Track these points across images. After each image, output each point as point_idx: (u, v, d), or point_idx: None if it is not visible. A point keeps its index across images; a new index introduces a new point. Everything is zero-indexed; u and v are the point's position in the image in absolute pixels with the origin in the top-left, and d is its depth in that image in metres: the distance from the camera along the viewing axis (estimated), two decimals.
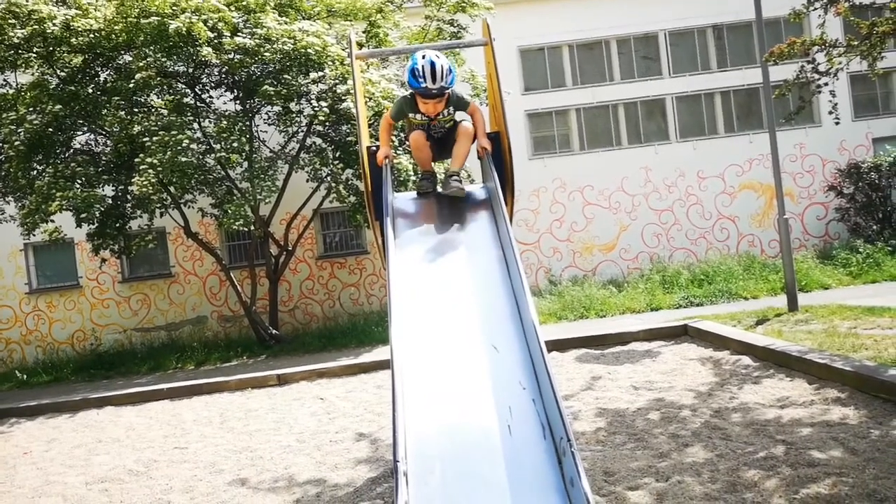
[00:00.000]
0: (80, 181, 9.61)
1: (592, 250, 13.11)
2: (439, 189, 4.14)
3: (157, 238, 11.94)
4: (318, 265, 13.03)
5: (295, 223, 11.60)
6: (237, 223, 9.53)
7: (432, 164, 4.26)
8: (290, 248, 11.54)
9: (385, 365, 8.10)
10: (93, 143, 10.82)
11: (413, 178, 8.86)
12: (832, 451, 3.97)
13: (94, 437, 6.74)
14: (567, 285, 12.21)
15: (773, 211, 12.41)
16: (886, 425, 4.26)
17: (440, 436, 2.66)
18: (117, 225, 10.28)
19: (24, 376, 11.00)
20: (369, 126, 9.13)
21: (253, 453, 5.52)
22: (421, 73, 3.77)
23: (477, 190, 4.51)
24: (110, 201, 10.13)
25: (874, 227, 12.15)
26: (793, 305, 8.09)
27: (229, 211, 9.63)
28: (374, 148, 4.43)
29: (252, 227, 10.27)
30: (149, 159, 8.98)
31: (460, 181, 3.94)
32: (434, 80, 3.75)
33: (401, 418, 2.98)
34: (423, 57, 3.80)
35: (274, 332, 11.35)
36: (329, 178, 10.34)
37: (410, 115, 4.08)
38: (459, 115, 4.26)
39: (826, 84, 7.69)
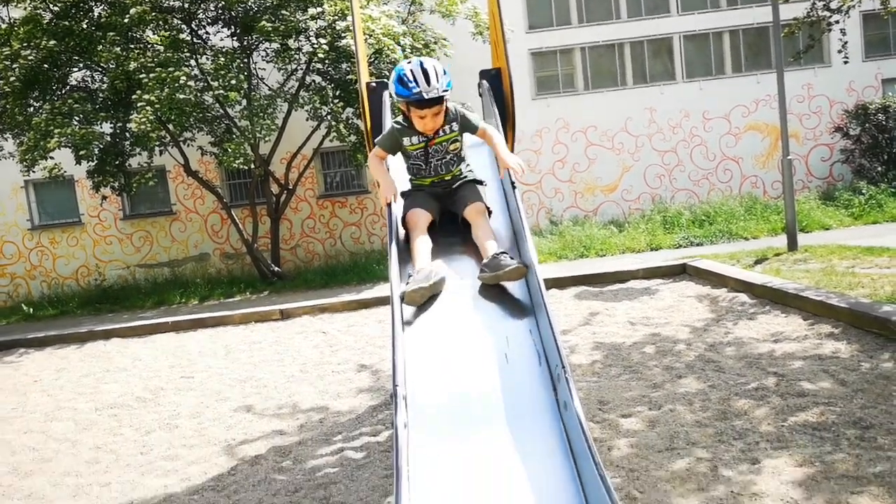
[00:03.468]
0: (77, 118, 9.53)
1: (594, 191, 13.07)
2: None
3: (157, 176, 11.91)
4: (318, 204, 13.03)
5: (295, 162, 11.54)
6: (237, 161, 9.48)
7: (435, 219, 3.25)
8: (290, 188, 11.51)
9: (386, 301, 8.19)
10: (89, 79, 10.66)
11: None
12: (822, 383, 4.07)
13: (102, 366, 6.90)
14: (568, 225, 12.22)
15: (778, 152, 12.31)
16: (877, 358, 4.35)
17: (439, 362, 2.73)
18: (117, 162, 10.24)
19: (31, 310, 11.17)
20: (369, 64, 8.97)
21: (257, 382, 5.66)
22: (411, 79, 3.06)
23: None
24: (109, 139, 10.06)
25: (879, 168, 12.07)
26: (792, 245, 8.13)
27: (229, 149, 9.57)
28: (374, 84, 4.35)
29: (252, 166, 10.22)
30: (146, 96, 8.88)
31: (508, 256, 2.84)
32: (428, 82, 3.04)
33: (400, 344, 3.05)
34: (409, 62, 3.15)
35: (276, 269, 11.45)
36: (329, 117, 10.22)
37: (405, 140, 3.25)
38: (471, 168, 3.44)
39: (837, 22, 7.51)
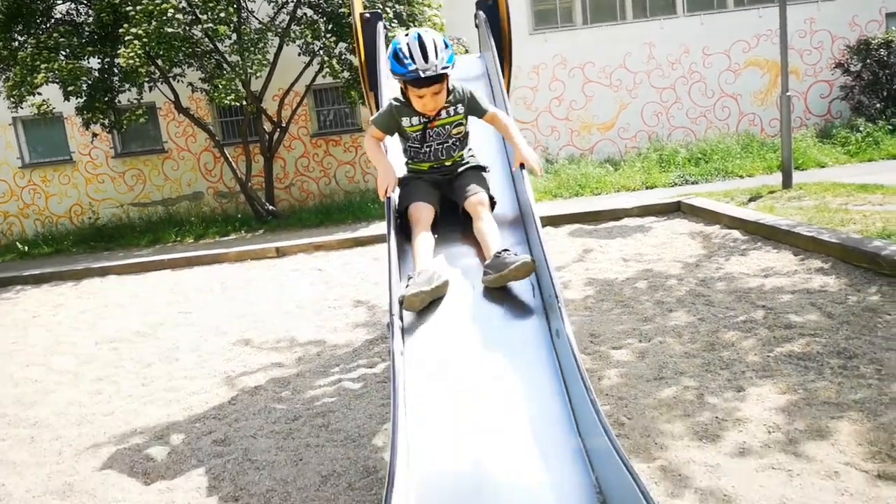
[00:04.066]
0: (64, 53, 9.29)
1: (591, 129, 12.94)
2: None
3: (147, 113, 11.70)
4: (312, 143, 12.88)
5: (288, 99, 11.34)
6: (228, 98, 9.32)
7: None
8: (283, 125, 11.36)
9: (381, 239, 8.24)
10: (74, 12, 10.34)
11: None
12: (809, 315, 4.15)
13: (99, 303, 6.97)
14: (563, 164, 12.16)
15: (777, 89, 12.15)
16: (864, 292, 4.42)
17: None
18: (106, 99, 10.04)
19: (26, 248, 11.18)
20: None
21: (255, 318, 5.73)
22: (407, 54, 2.74)
23: (473, 61, 4.39)
24: (97, 74, 9.85)
25: (878, 105, 11.95)
26: (787, 183, 8.13)
27: (220, 86, 9.39)
28: (368, 15, 4.23)
29: (244, 103, 10.05)
30: (133, 30, 8.64)
31: (512, 253, 2.58)
32: (426, 57, 2.73)
33: (395, 276, 3.09)
34: (407, 34, 2.84)
35: (271, 207, 11.42)
36: (321, 52, 9.99)
37: (404, 120, 2.96)
38: (473, 161, 3.14)
39: None
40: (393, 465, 1.86)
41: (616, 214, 8.24)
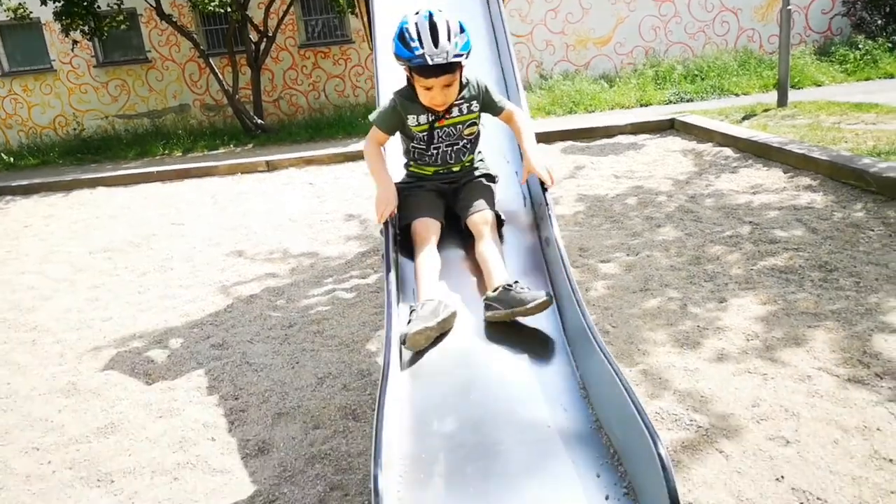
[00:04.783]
0: None
1: (587, 44, 12.62)
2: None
3: (128, 20, 11.27)
4: (300, 54, 12.52)
5: (274, 7, 10.93)
6: (212, 4, 8.98)
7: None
8: (270, 35, 11.00)
9: None
10: None
11: None
12: (794, 231, 4.24)
13: (91, 213, 6.96)
14: (558, 80, 11.94)
15: (778, 4, 11.82)
16: (849, 208, 4.49)
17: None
18: (85, 3, 9.64)
19: (11, 159, 11.01)
20: None
21: (247, 230, 5.77)
22: (414, 36, 2.32)
23: None
24: None
25: (879, 21, 11.69)
26: (782, 101, 8.06)
27: None
28: None
29: (228, 10, 9.69)
30: None
31: (524, 287, 2.19)
32: (436, 41, 2.30)
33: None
34: (417, 13, 2.39)
35: (259, 121, 11.22)
36: None
37: (409, 118, 2.52)
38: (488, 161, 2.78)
39: None
40: (387, 364, 1.93)
41: (609, 132, 8.19)
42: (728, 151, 6.46)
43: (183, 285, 4.57)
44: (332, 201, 6.49)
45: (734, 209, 4.80)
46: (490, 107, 2.63)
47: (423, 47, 2.30)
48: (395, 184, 2.56)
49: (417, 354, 2.11)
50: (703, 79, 11.05)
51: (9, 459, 2.70)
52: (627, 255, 4.22)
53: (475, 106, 2.57)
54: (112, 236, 5.97)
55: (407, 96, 2.51)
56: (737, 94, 10.19)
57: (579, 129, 8.35)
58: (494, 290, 2.19)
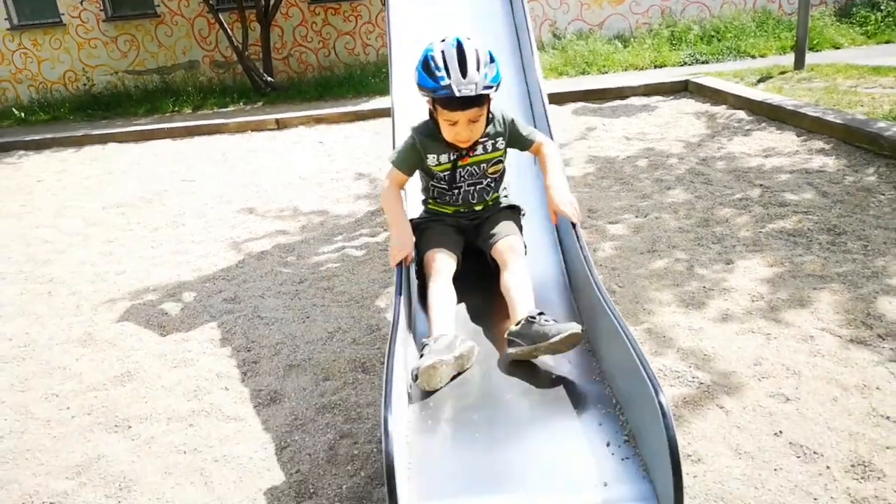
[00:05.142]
0: None
1: (601, 3, 12.36)
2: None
3: None
4: (310, 10, 12.35)
5: None
6: None
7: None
8: None
9: (382, 113, 8.14)
10: None
11: None
12: (804, 194, 4.22)
13: (103, 169, 7.00)
14: (571, 39, 11.74)
15: None
16: (861, 172, 4.46)
17: None
18: None
19: (22, 114, 11.03)
20: None
21: (258, 188, 5.79)
22: (440, 64, 2.15)
23: None
24: None
25: None
26: (799, 64, 7.92)
27: None
28: None
29: None
30: None
31: (550, 319, 1.98)
32: (464, 71, 2.12)
33: (401, 134, 3.13)
34: (443, 40, 2.21)
35: (269, 79, 11.14)
36: None
37: (430, 157, 2.35)
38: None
39: None
40: (397, 315, 1.98)
41: (622, 93, 8.09)
42: (742, 114, 6.39)
43: (195, 241, 4.62)
44: (341, 160, 6.49)
45: (745, 172, 4.77)
46: (517, 141, 2.44)
47: (449, 77, 2.13)
48: (411, 220, 2.42)
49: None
50: (719, 40, 10.85)
51: (29, 405, 2.79)
52: (636, 216, 4.22)
53: (501, 143, 2.39)
54: (124, 192, 6.02)
55: (427, 133, 2.34)
56: (753, 56, 10.01)
57: (592, 90, 8.26)
58: (517, 324, 1.99)
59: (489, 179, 2.42)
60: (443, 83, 2.14)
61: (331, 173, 6.05)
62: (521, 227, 2.46)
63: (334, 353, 2.95)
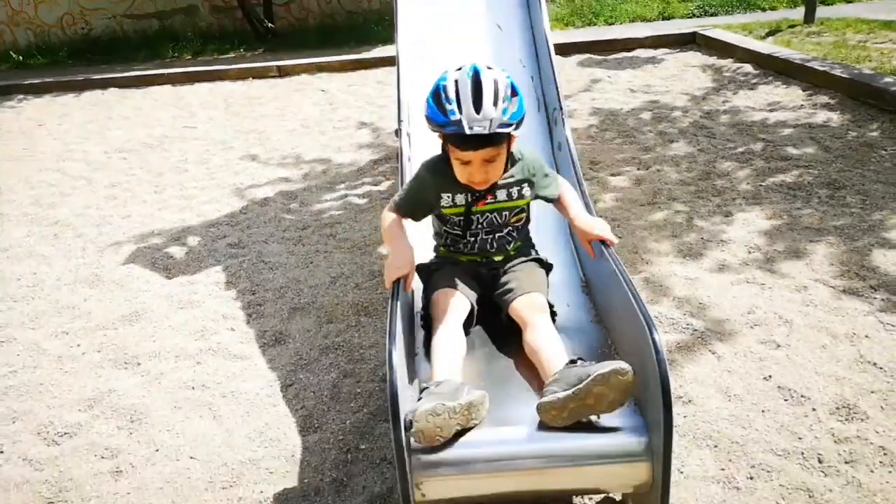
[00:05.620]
0: None
1: None
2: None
3: None
4: None
5: None
6: None
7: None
8: None
9: (386, 62, 8.04)
10: None
11: None
12: (806, 149, 4.23)
13: (104, 114, 6.96)
14: None
15: None
16: (865, 128, 4.46)
17: None
18: None
19: (20, 58, 10.90)
20: None
21: (260, 135, 5.78)
22: (451, 97, 1.85)
23: None
24: None
25: None
26: (809, 17, 7.78)
27: None
28: None
29: None
30: None
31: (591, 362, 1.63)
32: (478, 106, 1.82)
33: (406, 82, 3.13)
34: (459, 69, 1.91)
35: (269, 25, 10.96)
36: None
37: (444, 198, 2.02)
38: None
39: None
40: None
41: (628, 45, 7.98)
42: (748, 68, 6.32)
43: (198, 186, 4.65)
44: (344, 108, 6.46)
45: (749, 126, 4.76)
46: (545, 190, 2.09)
47: (460, 112, 1.82)
48: (420, 263, 2.06)
49: None
50: None
51: (40, 341, 2.87)
52: (638, 168, 4.24)
53: (527, 190, 2.05)
54: (126, 137, 6.01)
55: (439, 170, 2.01)
56: (763, 9, 9.82)
57: (598, 40, 8.14)
58: (553, 375, 1.64)
59: (510, 228, 2.09)
60: (452, 118, 1.83)
61: (333, 122, 6.03)
62: (547, 286, 2.09)
63: (337, 296, 3.01)
